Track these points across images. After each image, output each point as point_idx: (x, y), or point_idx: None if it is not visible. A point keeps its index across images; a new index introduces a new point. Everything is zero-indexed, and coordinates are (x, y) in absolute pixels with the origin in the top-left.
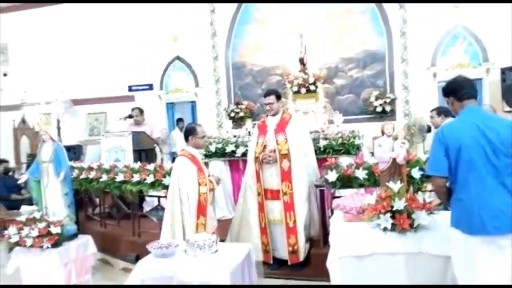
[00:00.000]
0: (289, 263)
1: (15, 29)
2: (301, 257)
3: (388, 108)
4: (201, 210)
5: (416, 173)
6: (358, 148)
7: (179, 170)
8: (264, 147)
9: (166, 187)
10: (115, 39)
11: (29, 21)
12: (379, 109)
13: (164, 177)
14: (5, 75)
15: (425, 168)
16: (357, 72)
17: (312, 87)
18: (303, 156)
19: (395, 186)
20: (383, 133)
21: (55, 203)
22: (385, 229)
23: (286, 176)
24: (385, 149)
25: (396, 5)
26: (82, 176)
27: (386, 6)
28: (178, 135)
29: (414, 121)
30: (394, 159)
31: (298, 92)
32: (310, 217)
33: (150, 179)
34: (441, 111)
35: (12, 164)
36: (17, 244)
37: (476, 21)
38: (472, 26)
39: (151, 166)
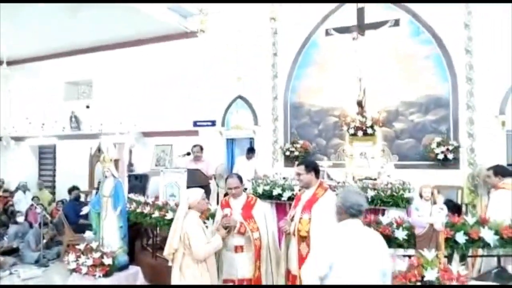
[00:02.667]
0: None
1: (98, 67)
2: None
3: (450, 156)
4: None
5: (460, 238)
6: (408, 201)
7: None
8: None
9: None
10: (184, 78)
11: (109, 60)
12: (440, 156)
13: (208, 219)
14: (87, 107)
15: None
16: (419, 117)
17: (369, 130)
18: None
19: (429, 254)
20: (421, 196)
21: (110, 234)
22: None
23: (303, 262)
24: (422, 213)
25: (462, 50)
26: (138, 210)
27: (452, 51)
28: (243, 163)
29: (479, 171)
30: (432, 225)
31: (354, 134)
32: None
33: None
34: (498, 171)
35: (86, 187)
36: (74, 270)
37: None
38: None
39: None
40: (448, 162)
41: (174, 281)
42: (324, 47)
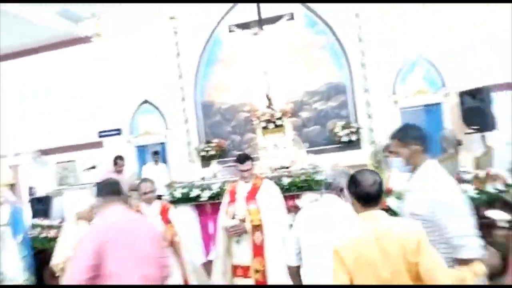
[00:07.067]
0: None
1: None
2: None
3: (354, 138)
4: None
5: (392, 202)
6: (319, 183)
7: None
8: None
9: None
10: (82, 87)
11: None
12: (345, 139)
13: None
14: None
15: None
16: (322, 105)
17: (279, 122)
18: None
19: None
20: None
21: (12, 267)
22: None
23: (259, 250)
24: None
25: (355, 38)
26: (43, 235)
27: (344, 40)
28: (152, 169)
29: (379, 148)
30: None
31: (266, 127)
32: None
33: None
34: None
35: None
36: None
37: (432, 48)
38: (428, 53)
39: None
40: (351, 144)
41: None
42: (227, 44)
